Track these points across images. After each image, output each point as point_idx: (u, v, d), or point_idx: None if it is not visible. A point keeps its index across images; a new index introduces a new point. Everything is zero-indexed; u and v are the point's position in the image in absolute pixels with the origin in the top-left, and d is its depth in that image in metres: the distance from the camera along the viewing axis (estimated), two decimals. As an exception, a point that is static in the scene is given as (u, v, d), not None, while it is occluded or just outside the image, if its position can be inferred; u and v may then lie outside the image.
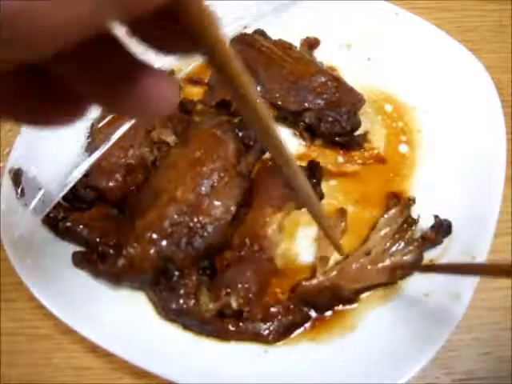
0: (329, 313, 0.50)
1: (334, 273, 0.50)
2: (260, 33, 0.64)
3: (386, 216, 0.53)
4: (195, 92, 0.65)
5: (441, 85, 0.60)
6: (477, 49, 0.61)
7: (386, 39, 0.63)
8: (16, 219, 0.52)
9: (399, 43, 0.63)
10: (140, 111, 0.18)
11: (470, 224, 0.51)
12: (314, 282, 0.50)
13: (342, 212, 0.55)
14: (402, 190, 0.56)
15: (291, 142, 0.61)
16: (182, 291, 0.48)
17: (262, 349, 0.48)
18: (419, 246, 0.51)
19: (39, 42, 0.13)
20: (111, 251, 0.50)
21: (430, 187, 0.56)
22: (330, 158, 0.59)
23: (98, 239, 0.51)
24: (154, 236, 0.48)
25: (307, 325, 0.50)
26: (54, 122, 0.18)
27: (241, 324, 0.49)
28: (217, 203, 0.50)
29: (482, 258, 0.49)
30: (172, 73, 0.62)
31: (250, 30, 0.64)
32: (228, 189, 0.51)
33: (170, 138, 0.56)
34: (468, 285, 0.47)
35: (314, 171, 0.55)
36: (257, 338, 0.48)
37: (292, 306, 0.49)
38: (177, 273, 0.48)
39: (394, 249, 0.51)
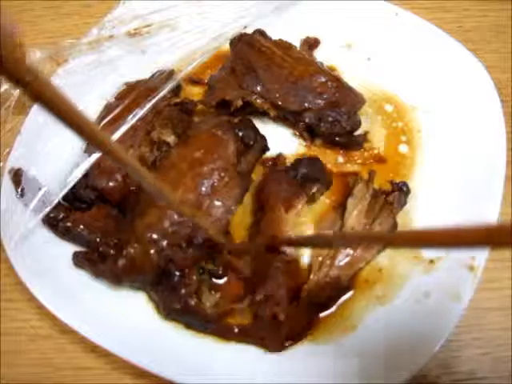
0: (329, 311, 0.50)
1: (327, 269, 0.50)
2: (260, 33, 0.64)
3: (352, 196, 0.54)
4: (195, 92, 0.65)
5: (441, 85, 0.60)
6: (477, 49, 0.61)
7: (386, 39, 0.63)
8: (16, 219, 0.52)
9: (399, 43, 0.63)
10: None
11: (471, 224, 0.51)
12: (313, 282, 0.50)
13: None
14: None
15: (291, 141, 0.61)
16: (183, 291, 0.48)
17: (260, 348, 0.48)
18: (390, 212, 0.53)
19: None
20: (112, 251, 0.50)
21: (429, 187, 0.56)
22: (329, 158, 0.59)
23: (98, 239, 0.51)
24: (155, 236, 0.48)
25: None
26: None
27: (246, 327, 0.49)
28: (217, 203, 0.50)
29: (482, 257, 0.49)
30: (172, 73, 0.62)
31: (250, 30, 0.64)
32: (228, 188, 0.51)
33: (170, 138, 0.56)
34: (468, 285, 0.47)
35: (315, 162, 0.56)
36: (260, 342, 0.48)
37: (298, 316, 0.49)
38: (178, 273, 0.48)
39: (371, 223, 0.52)
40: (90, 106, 0.60)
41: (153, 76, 0.62)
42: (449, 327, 0.46)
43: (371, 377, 0.45)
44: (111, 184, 0.53)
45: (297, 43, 0.64)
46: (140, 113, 0.55)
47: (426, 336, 0.46)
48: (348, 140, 0.59)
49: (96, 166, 0.53)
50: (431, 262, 0.51)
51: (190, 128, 0.57)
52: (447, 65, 0.60)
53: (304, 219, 0.55)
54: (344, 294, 0.50)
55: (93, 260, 0.50)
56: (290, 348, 0.48)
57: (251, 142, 0.56)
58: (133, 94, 0.58)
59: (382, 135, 0.61)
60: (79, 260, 0.51)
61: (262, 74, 0.59)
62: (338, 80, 0.59)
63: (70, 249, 0.53)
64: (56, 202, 0.51)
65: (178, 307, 0.48)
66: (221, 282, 0.52)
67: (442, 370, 0.49)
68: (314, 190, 0.54)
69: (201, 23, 0.65)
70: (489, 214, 0.51)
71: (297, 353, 0.48)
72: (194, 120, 0.60)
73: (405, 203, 0.54)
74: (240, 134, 0.55)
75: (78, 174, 0.52)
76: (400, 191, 0.54)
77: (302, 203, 0.53)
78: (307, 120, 0.58)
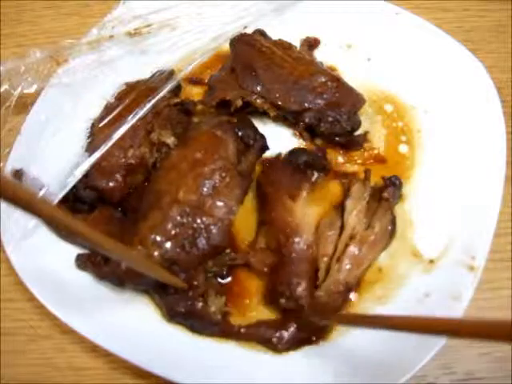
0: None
1: (335, 274, 0.50)
2: (260, 33, 0.64)
3: (350, 196, 0.54)
4: (195, 92, 0.65)
5: (441, 85, 0.60)
6: (477, 49, 0.61)
7: (386, 39, 0.63)
8: (16, 219, 0.52)
9: (399, 43, 0.63)
10: None
11: (470, 224, 0.51)
12: (322, 293, 0.49)
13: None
14: (402, 191, 0.56)
15: (291, 141, 0.61)
16: (190, 293, 0.48)
17: (262, 349, 0.49)
18: (388, 207, 0.53)
19: None
20: None
21: (429, 187, 0.56)
22: (329, 158, 0.59)
23: None
24: (158, 238, 0.48)
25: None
26: None
27: (252, 328, 0.49)
28: (219, 203, 0.50)
29: (482, 257, 0.49)
30: (172, 73, 0.62)
31: (250, 30, 0.64)
32: (230, 189, 0.51)
33: (170, 140, 0.56)
34: (468, 285, 0.47)
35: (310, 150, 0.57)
36: (266, 343, 0.48)
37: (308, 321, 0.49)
38: (183, 275, 0.48)
39: (370, 221, 0.52)
40: (90, 106, 0.60)
41: (153, 76, 0.62)
42: (449, 327, 0.45)
43: (371, 377, 0.45)
44: (111, 184, 0.53)
45: (297, 43, 0.64)
46: (140, 113, 0.55)
47: (426, 336, 0.46)
48: (348, 140, 0.59)
49: (96, 166, 0.53)
50: (431, 262, 0.51)
51: (190, 129, 0.57)
52: (447, 65, 0.60)
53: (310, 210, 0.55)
54: (350, 298, 0.51)
55: (96, 262, 0.50)
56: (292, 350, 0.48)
57: (251, 142, 0.56)
58: (133, 93, 0.58)
59: (382, 135, 0.61)
60: (82, 262, 0.51)
61: (262, 74, 0.59)
62: (338, 80, 0.59)
63: (69, 249, 0.53)
64: (56, 202, 0.51)
65: (183, 310, 0.48)
66: (227, 280, 0.52)
67: (442, 370, 0.49)
68: (316, 176, 0.55)
69: (201, 23, 0.65)
70: (489, 213, 0.51)
71: (297, 353, 0.48)
72: (193, 120, 0.60)
73: (400, 196, 0.55)
74: (240, 133, 0.55)
75: (78, 174, 0.52)
76: (393, 186, 0.54)
77: (307, 190, 0.53)
78: (307, 120, 0.58)
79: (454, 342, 0.49)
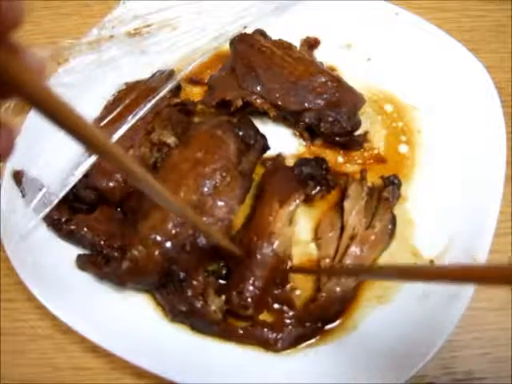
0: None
1: (335, 278, 0.50)
2: (260, 33, 0.64)
3: (348, 197, 0.54)
4: (195, 92, 0.65)
5: (441, 85, 0.60)
6: (477, 49, 0.61)
7: (386, 39, 0.63)
8: (16, 219, 0.52)
9: (399, 43, 0.63)
10: None
11: (470, 224, 0.51)
12: (324, 294, 0.49)
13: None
14: (402, 190, 0.56)
15: (291, 141, 0.61)
16: (189, 293, 0.48)
17: (262, 349, 0.49)
18: (388, 207, 0.53)
19: None
20: (116, 254, 0.50)
21: (429, 187, 0.56)
22: (329, 158, 0.59)
23: (102, 242, 0.51)
24: (158, 238, 0.48)
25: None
26: None
27: (250, 328, 0.49)
28: (220, 203, 0.50)
29: (482, 257, 0.49)
30: (172, 73, 0.62)
31: (250, 30, 0.64)
32: (230, 188, 0.51)
33: (170, 140, 0.56)
34: (468, 285, 0.47)
35: (321, 164, 0.56)
36: (264, 344, 0.48)
37: (305, 319, 0.49)
38: (183, 274, 0.48)
39: (370, 220, 0.53)
40: (90, 106, 0.60)
41: (153, 76, 0.62)
42: (449, 327, 0.46)
43: (371, 377, 0.45)
44: (111, 184, 0.53)
45: (297, 43, 0.64)
46: (140, 113, 0.55)
47: (426, 336, 0.46)
48: (348, 140, 0.59)
49: (96, 166, 0.53)
50: (431, 262, 0.51)
51: (190, 129, 0.57)
52: (447, 65, 0.60)
53: (301, 218, 0.55)
54: (350, 303, 0.50)
55: (97, 263, 0.50)
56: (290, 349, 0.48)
57: (252, 142, 0.55)
58: (133, 93, 0.58)
59: (382, 135, 0.61)
60: (83, 263, 0.51)
61: (262, 74, 0.59)
62: (338, 80, 0.59)
63: (69, 249, 0.53)
64: (56, 202, 0.51)
65: (184, 309, 0.48)
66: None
67: (442, 370, 0.49)
68: (316, 190, 0.54)
69: (201, 23, 0.65)
70: (489, 213, 0.51)
71: (297, 353, 0.48)
72: (193, 120, 0.60)
73: (399, 195, 0.55)
74: (240, 133, 0.55)
75: (79, 174, 0.52)
76: (393, 185, 0.54)
77: (299, 201, 0.53)
78: (307, 120, 0.58)
79: (454, 342, 0.49)
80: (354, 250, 0.50)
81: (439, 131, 0.59)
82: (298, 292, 0.51)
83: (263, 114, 0.60)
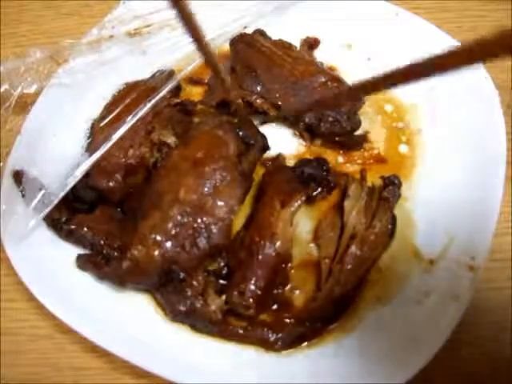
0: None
1: (337, 275, 0.50)
2: (260, 33, 0.64)
3: (348, 197, 0.54)
4: (195, 92, 0.65)
5: (441, 85, 0.60)
6: (477, 49, 0.61)
7: (386, 39, 0.63)
8: (16, 219, 0.52)
9: (399, 43, 0.63)
10: None
11: (470, 224, 0.51)
12: (323, 297, 0.49)
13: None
14: (402, 190, 0.56)
15: (291, 141, 0.61)
16: (189, 292, 0.48)
17: (262, 349, 0.49)
18: (388, 207, 0.53)
19: None
20: (116, 253, 0.50)
21: (429, 187, 0.56)
22: (330, 158, 0.59)
23: (102, 242, 0.51)
24: (158, 238, 0.48)
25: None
26: None
27: (250, 328, 0.49)
28: (220, 203, 0.50)
29: (482, 258, 0.49)
30: (172, 73, 0.62)
31: (250, 30, 0.64)
32: (230, 188, 0.51)
33: (171, 139, 0.56)
34: (468, 285, 0.47)
35: (323, 165, 0.56)
36: (264, 344, 0.48)
37: (304, 319, 0.49)
38: (183, 274, 0.48)
39: (370, 220, 0.52)
40: (90, 106, 0.60)
41: (153, 76, 0.62)
42: (449, 327, 0.46)
43: (371, 377, 0.45)
44: (111, 184, 0.53)
45: (297, 43, 0.64)
46: (140, 113, 0.55)
47: (426, 336, 0.46)
48: (348, 140, 0.59)
49: (96, 165, 0.53)
50: (431, 262, 0.51)
51: (191, 128, 0.57)
52: (447, 65, 0.60)
53: (301, 218, 0.55)
54: (350, 303, 0.50)
55: (97, 263, 0.50)
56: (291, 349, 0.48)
57: (252, 142, 0.55)
58: (133, 93, 0.58)
59: (381, 135, 0.61)
60: (82, 263, 0.51)
61: (262, 74, 0.59)
62: (338, 80, 0.59)
63: (70, 249, 0.53)
64: (56, 202, 0.51)
65: (184, 309, 0.48)
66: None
67: (442, 370, 0.49)
68: (317, 191, 0.55)
69: (201, 23, 0.65)
70: (489, 213, 0.51)
71: (297, 353, 0.48)
72: (194, 120, 0.60)
73: (399, 195, 0.55)
74: (240, 133, 0.55)
75: (79, 174, 0.52)
76: (393, 185, 0.54)
77: (300, 201, 0.53)
78: (307, 120, 0.58)
79: (455, 341, 0.49)
80: (354, 249, 0.50)
81: (439, 131, 0.59)
82: (297, 292, 0.51)
83: (263, 114, 0.60)
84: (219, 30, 0.64)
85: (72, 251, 0.53)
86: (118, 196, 0.53)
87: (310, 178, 0.54)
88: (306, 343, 0.49)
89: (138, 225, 0.49)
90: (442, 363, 0.49)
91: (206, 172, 0.51)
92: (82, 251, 0.53)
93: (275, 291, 0.50)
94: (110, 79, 0.62)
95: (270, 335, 0.48)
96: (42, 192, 0.52)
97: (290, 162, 0.59)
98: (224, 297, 0.49)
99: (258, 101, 0.59)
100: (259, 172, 0.57)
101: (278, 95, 0.58)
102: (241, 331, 0.49)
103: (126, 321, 0.49)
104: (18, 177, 0.54)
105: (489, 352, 0.50)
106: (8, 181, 0.54)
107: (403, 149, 0.59)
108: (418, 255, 0.52)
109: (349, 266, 0.50)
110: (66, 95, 0.60)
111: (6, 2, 0.74)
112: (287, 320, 0.49)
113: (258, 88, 0.59)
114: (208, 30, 0.64)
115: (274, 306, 0.50)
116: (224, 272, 0.51)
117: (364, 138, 0.60)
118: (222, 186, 0.51)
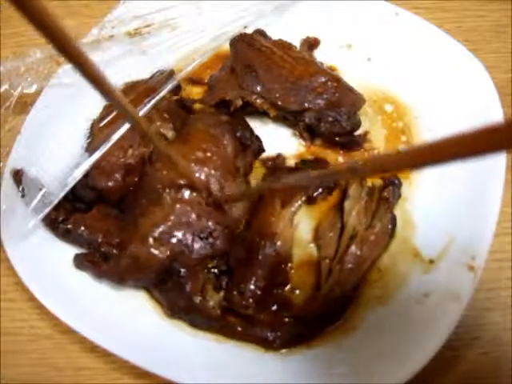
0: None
1: (337, 275, 0.50)
2: (260, 33, 0.64)
3: (348, 197, 0.54)
4: (195, 92, 0.65)
5: (441, 85, 0.60)
6: (477, 49, 0.61)
7: (386, 39, 0.63)
8: (16, 219, 0.52)
9: (399, 43, 0.63)
10: None
11: (470, 224, 0.51)
12: (323, 297, 0.49)
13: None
14: (402, 190, 0.56)
15: (291, 141, 0.61)
16: (188, 289, 0.48)
17: (261, 348, 0.48)
18: (388, 207, 0.53)
19: None
20: (114, 251, 0.50)
21: (429, 187, 0.56)
22: (329, 158, 0.59)
23: (99, 239, 0.51)
24: (159, 235, 0.48)
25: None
26: None
27: (249, 326, 0.49)
28: None
29: (481, 257, 0.49)
30: (172, 73, 0.62)
31: (250, 30, 0.64)
32: (229, 188, 0.51)
33: (169, 133, 0.56)
34: (468, 285, 0.47)
35: (323, 165, 0.56)
36: (262, 342, 0.48)
37: (304, 319, 0.49)
38: (183, 271, 0.48)
39: (370, 221, 0.52)
40: (90, 106, 0.60)
41: (153, 76, 0.62)
42: (449, 327, 0.45)
43: (371, 377, 0.45)
44: (111, 184, 0.53)
45: (297, 43, 0.64)
46: (140, 113, 0.55)
47: (426, 336, 0.46)
48: (348, 140, 0.59)
49: (96, 165, 0.53)
50: (431, 262, 0.51)
51: (188, 124, 0.57)
52: (447, 65, 0.60)
53: (301, 218, 0.55)
54: (349, 303, 0.50)
55: (95, 261, 0.50)
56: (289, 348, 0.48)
57: (248, 142, 0.56)
58: (133, 94, 0.58)
59: (382, 135, 0.61)
60: (80, 262, 0.51)
61: (262, 74, 0.59)
62: (338, 80, 0.59)
63: (70, 248, 0.53)
64: (56, 202, 0.51)
65: (183, 305, 0.48)
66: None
67: (442, 370, 0.49)
68: (317, 192, 0.55)
69: (201, 23, 0.65)
70: (489, 214, 0.51)
71: (297, 353, 0.48)
72: (192, 117, 0.59)
73: (399, 195, 0.55)
74: (238, 134, 0.55)
75: (78, 174, 0.52)
76: (393, 185, 0.54)
77: (301, 202, 0.53)
78: (307, 120, 0.58)
79: (454, 341, 0.49)
80: (354, 249, 0.50)
81: (439, 131, 0.59)
82: (297, 292, 0.51)
83: (263, 114, 0.60)
84: (219, 30, 0.65)
85: (72, 251, 0.53)
86: (118, 196, 0.53)
87: None
88: (305, 343, 0.49)
89: (137, 222, 0.49)
90: (442, 363, 0.49)
91: (205, 172, 0.51)
92: (81, 251, 0.53)
93: (275, 291, 0.50)
94: (110, 79, 0.62)
95: (269, 334, 0.48)
96: (42, 192, 0.52)
97: (290, 162, 0.59)
98: (222, 293, 0.49)
99: (257, 101, 0.59)
100: (260, 172, 0.57)
101: (277, 95, 0.58)
102: (239, 328, 0.49)
103: (126, 321, 0.49)
104: (18, 177, 0.54)
105: (489, 352, 0.50)
106: (8, 181, 0.54)
107: (403, 149, 0.59)
108: (418, 255, 0.52)
109: (349, 266, 0.50)
110: (66, 95, 0.60)
111: (6, 1, 0.74)
112: (286, 319, 0.49)
113: (258, 88, 0.59)
114: (208, 29, 0.65)
115: (274, 307, 0.50)
116: (223, 268, 0.51)
117: (364, 138, 0.60)
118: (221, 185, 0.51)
